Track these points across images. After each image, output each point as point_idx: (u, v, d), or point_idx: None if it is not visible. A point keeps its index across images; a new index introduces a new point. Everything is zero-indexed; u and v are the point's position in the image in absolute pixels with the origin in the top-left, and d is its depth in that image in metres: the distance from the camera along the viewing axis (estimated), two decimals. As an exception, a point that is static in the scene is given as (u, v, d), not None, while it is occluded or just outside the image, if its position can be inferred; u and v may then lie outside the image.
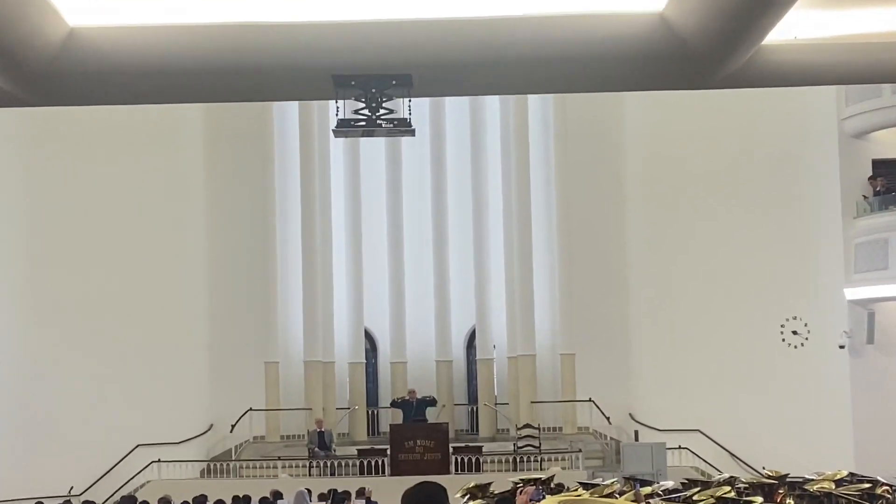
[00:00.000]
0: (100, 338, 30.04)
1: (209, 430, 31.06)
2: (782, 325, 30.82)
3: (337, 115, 14.83)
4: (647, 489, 15.53)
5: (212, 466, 29.28)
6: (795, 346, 30.69)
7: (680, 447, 29.05)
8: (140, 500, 22.25)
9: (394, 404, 29.86)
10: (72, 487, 28.11)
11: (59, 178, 30.43)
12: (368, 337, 32.78)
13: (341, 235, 31.95)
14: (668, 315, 31.34)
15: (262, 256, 31.23)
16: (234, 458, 29.67)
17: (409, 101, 14.82)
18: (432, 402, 29.55)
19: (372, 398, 32.67)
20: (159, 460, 28.97)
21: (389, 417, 31.28)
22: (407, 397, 29.63)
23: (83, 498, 25.60)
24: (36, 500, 22.91)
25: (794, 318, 30.67)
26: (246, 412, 30.28)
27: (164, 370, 30.40)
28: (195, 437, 30.71)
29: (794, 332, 30.71)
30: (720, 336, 30.84)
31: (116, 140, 30.64)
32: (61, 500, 24.91)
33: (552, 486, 18.29)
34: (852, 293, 29.25)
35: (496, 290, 31.65)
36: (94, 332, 30.03)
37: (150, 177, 31.04)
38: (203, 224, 31.67)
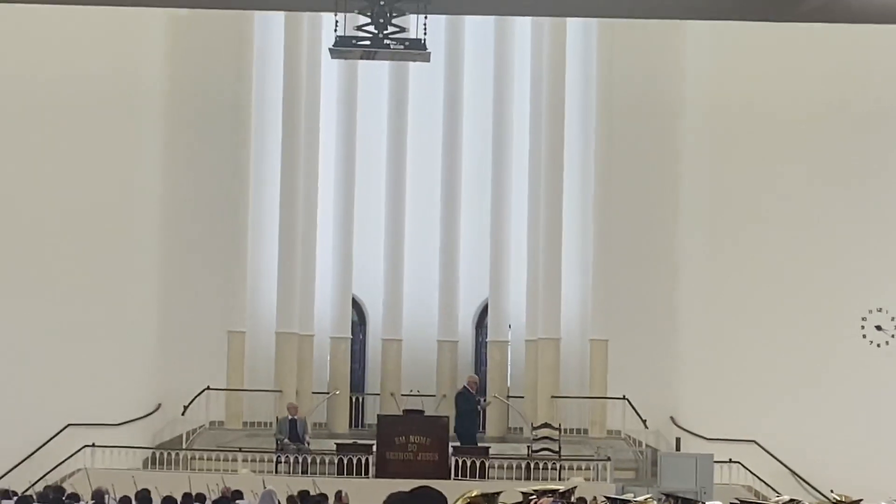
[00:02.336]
0: (24, 296, 29.99)
1: (156, 410, 31.05)
2: (864, 319, 30.75)
3: (336, 31, 14.67)
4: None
5: (158, 455, 29.30)
6: (879, 345, 30.64)
7: (731, 461, 29.05)
8: (69, 491, 22.27)
9: (462, 400, 29.54)
10: (-15, 473, 28.19)
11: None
12: (356, 307, 32.74)
13: (329, 182, 31.85)
14: (723, 300, 31.27)
15: (231, 202, 31.13)
16: (185, 446, 29.69)
17: (425, 17, 14.66)
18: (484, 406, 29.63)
19: (357, 382, 32.67)
20: (94, 445, 28.96)
21: (377, 406, 31.30)
22: (468, 387, 29.48)
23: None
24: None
25: (879, 310, 30.61)
26: (202, 391, 30.28)
27: (103, 336, 30.38)
28: (138, 418, 30.70)
29: (878, 328, 30.64)
30: (786, 328, 30.79)
31: (61, 39, 30.46)
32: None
33: (572, 500, 18.28)
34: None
35: (515, 259, 31.59)
36: (17, 289, 29.98)
37: (93, 91, 30.79)
38: (157, 157, 31.48)
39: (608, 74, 31.56)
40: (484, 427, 31.22)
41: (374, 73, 31.56)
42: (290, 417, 29.16)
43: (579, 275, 31.59)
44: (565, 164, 31.30)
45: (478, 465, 27.77)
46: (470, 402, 29.57)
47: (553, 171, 31.16)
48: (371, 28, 14.71)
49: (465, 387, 30.10)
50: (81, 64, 30.76)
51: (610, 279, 31.12)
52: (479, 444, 29.24)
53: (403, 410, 29.28)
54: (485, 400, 30.37)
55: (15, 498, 20.76)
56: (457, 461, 27.78)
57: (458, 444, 28.95)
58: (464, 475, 27.36)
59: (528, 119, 31.70)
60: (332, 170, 31.85)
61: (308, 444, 29.04)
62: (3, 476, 28.39)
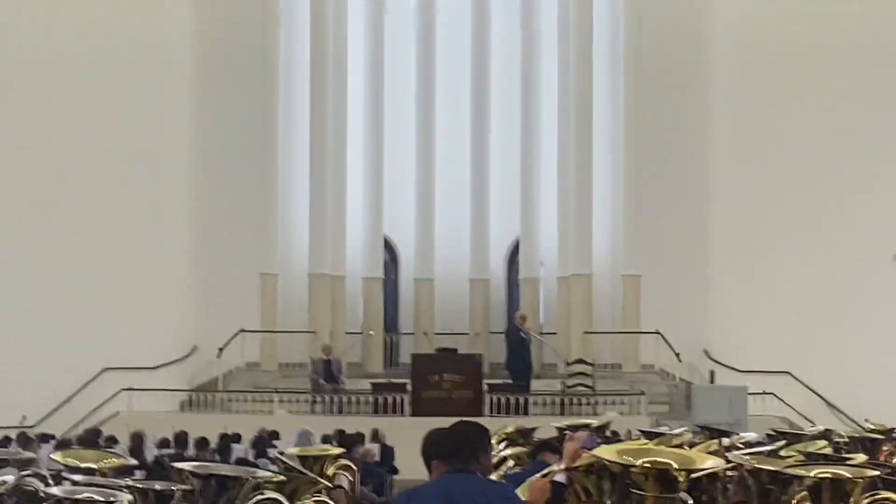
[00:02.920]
0: (61, 241, 30.12)
1: (192, 353, 31.22)
2: (897, 249, 30.69)
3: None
4: (725, 442, 15.50)
5: (194, 398, 29.49)
6: (912, 276, 30.55)
7: (765, 392, 29.07)
8: (106, 434, 22.41)
9: (513, 335, 29.51)
10: (24, 417, 28.38)
11: (13, 43, 30.34)
12: (388, 248, 32.78)
13: (358, 123, 31.82)
14: (756, 232, 31.17)
15: (261, 144, 31.14)
16: (221, 388, 29.85)
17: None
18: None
19: (391, 321, 32.77)
20: (131, 388, 29.17)
21: (410, 346, 31.38)
22: (519, 324, 29.45)
23: (38, 429, 25.81)
24: (-19, 431, 23.14)
25: (912, 240, 30.51)
26: (237, 334, 30.40)
27: (138, 280, 30.51)
28: (174, 361, 30.89)
29: (912, 258, 30.59)
30: (819, 259, 30.71)
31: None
32: (12, 431, 25.12)
33: (607, 434, 18.32)
34: None
35: (546, 195, 31.53)
36: (54, 234, 30.10)
37: (123, 38, 30.83)
38: (188, 102, 31.54)
39: (638, 3, 31.36)
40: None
41: (402, 9, 31.45)
42: (324, 358, 29.26)
43: (610, 210, 31.52)
44: (595, 98, 31.17)
45: (512, 401, 27.84)
46: (517, 338, 29.43)
47: (583, 105, 31.02)
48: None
49: (513, 323, 30.04)
50: (115, 14, 30.74)
51: (641, 214, 31.03)
52: (513, 381, 29.26)
53: (437, 349, 29.35)
54: (530, 334, 30.01)
55: (54, 442, 20.91)
56: (491, 398, 27.84)
57: (493, 381, 29.05)
58: (498, 412, 27.43)
59: (556, 53, 31.56)
60: (360, 110, 31.81)
61: (343, 383, 29.15)
62: (42, 420, 28.62)
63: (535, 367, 30.81)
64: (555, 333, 31.40)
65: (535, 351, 31.09)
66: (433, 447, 7.78)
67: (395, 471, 21.79)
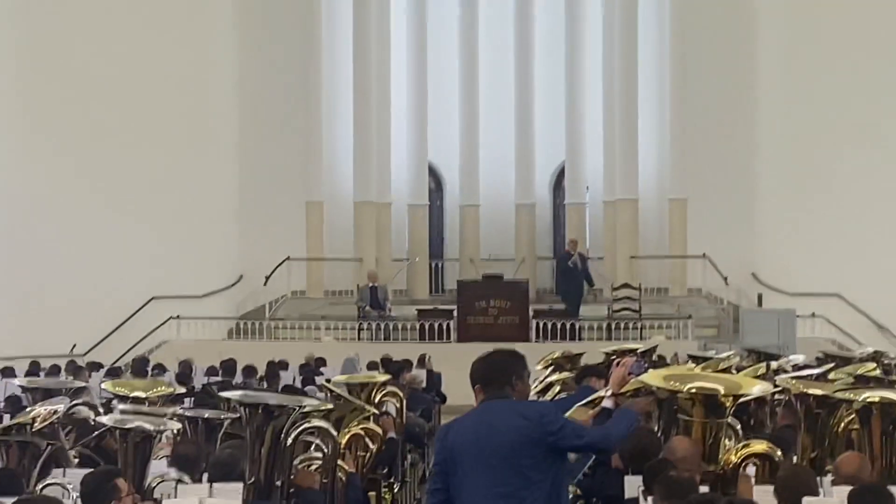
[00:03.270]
0: (108, 170, 30.19)
1: (238, 281, 31.36)
2: (948, 168, 30.48)
3: None
4: (774, 365, 15.48)
5: (241, 326, 29.65)
6: (963, 194, 30.35)
7: (814, 315, 28.97)
8: (154, 362, 22.59)
9: (563, 261, 29.37)
10: (74, 345, 28.58)
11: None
12: (433, 174, 32.74)
13: (402, 48, 31.72)
14: (803, 153, 30.94)
15: (306, 71, 31.07)
16: (268, 316, 29.99)
17: None
18: (590, 279, 29.24)
19: (436, 248, 32.79)
20: (178, 317, 29.36)
21: (457, 272, 31.40)
22: (570, 249, 29.31)
23: (88, 358, 26.02)
24: (31, 360, 23.30)
25: (964, 159, 30.28)
26: (283, 262, 30.50)
27: (186, 209, 30.60)
28: (221, 290, 31.04)
29: (962, 177, 30.38)
30: (868, 179, 30.46)
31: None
32: (62, 360, 25.34)
33: (654, 358, 18.34)
34: None
35: (591, 119, 31.37)
36: (101, 163, 30.18)
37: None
38: (232, 30, 31.49)
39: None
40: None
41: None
42: (370, 285, 29.31)
43: (656, 133, 31.35)
44: (640, 21, 30.91)
45: (559, 327, 27.85)
46: (573, 272, 29.25)
47: (628, 27, 30.76)
48: None
49: (566, 249, 29.90)
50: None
51: (687, 136, 30.84)
52: (559, 307, 29.23)
53: (483, 275, 29.34)
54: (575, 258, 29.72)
55: (103, 370, 21.08)
56: (538, 324, 27.86)
57: (540, 306, 29.07)
58: (545, 337, 27.46)
59: (600, -23, 31.33)
60: (404, 35, 31.70)
61: (389, 310, 29.22)
62: (91, 349, 28.82)
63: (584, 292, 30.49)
64: (601, 258, 31.32)
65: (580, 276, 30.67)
66: (472, 375, 7.85)
67: (442, 396, 21.87)
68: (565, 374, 14.02)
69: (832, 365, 15.98)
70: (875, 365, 15.92)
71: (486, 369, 7.83)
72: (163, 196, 30.45)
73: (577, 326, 28.14)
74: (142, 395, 11.69)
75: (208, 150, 31.12)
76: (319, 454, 9.04)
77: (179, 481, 8.44)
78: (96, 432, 9.61)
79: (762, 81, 31.43)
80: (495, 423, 7.62)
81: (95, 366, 22.25)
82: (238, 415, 9.27)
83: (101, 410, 11.29)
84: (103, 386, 13.26)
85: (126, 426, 8.85)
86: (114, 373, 20.06)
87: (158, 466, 9.09)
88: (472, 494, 7.58)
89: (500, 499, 7.53)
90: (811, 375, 13.36)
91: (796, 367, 15.56)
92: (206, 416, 10.05)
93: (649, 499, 7.83)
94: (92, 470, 8.19)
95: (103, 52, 30.30)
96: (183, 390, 14.54)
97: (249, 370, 19.81)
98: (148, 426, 8.87)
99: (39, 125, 29.73)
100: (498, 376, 7.77)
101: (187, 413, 10.27)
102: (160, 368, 21.15)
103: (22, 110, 29.57)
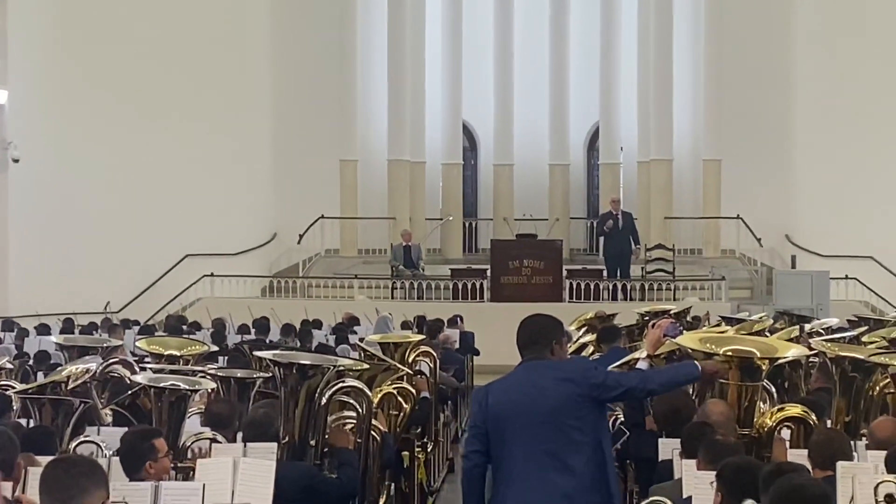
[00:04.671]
0: (144, 128, 30.21)
1: (272, 240, 31.42)
2: (984, 131, 30.28)
3: None
4: (807, 327, 15.40)
5: (275, 284, 29.71)
6: None
7: (847, 277, 28.84)
8: (190, 320, 22.64)
9: (603, 222, 29.08)
10: (108, 303, 28.70)
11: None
12: (467, 133, 32.68)
13: (437, 6, 31.60)
14: (839, 115, 30.76)
15: (340, 30, 31.02)
16: (301, 274, 30.04)
17: None
18: (636, 237, 28.86)
19: (470, 207, 32.77)
20: (212, 274, 29.43)
21: (490, 231, 31.37)
22: (610, 210, 29.02)
23: (122, 315, 26.14)
24: (65, 316, 23.39)
25: None
26: (317, 220, 30.53)
27: (220, 167, 30.64)
28: (255, 248, 31.11)
29: None
30: (904, 142, 30.34)
31: None
32: (96, 317, 25.45)
33: (688, 319, 18.29)
34: None
35: (626, 80, 31.23)
36: (137, 121, 30.20)
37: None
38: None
39: None
40: (596, 249, 31.18)
41: None
42: (404, 244, 29.30)
43: (691, 94, 31.20)
44: (675, -19, 30.76)
45: (592, 287, 27.78)
46: (613, 228, 28.91)
47: (663, -12, 30.62)
48: None
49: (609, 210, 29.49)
50: None
51: (722, 97, 30.68)
52: (593, 267, 29.16)
53: (516, 235, 29.28)
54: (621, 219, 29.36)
55: (137, 327, 21.14)
56: (571, 284, 27.81)
57: (573, 266, 29.00)
58: (578, 298, 27.40)
59: (636, -64, 31.11)
60: (438, -5, 31.61)
61: (423, 269, 29.21)
62: (125, 306, 28.95)
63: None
64: (635, 219, 31.19)
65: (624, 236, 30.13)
66: (517, 336, 7.83)
67: (475, 351, 21.80)
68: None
69: (865, 328, 15.89)
70: (909, 328, 15.81)
71: (527, 332, 7.81)
72: (198, 154, 30.47)
73: (610, 287, 28.05)
74: (176, 353, 11.69)
75: (244, 109, 31.11)
76: (353, 414, 9.02)
77: (214, 440, 8.43)
78: (130, 391, 9.61)
79: (799, 42, 31.23)
80: (538, 382, 7.60)
81: (130, 323, 22.32)
82: (271, 374, 9.26)
83: (135, 369, 11.30)
84: (137, 344, 13.27)
85: (160, 385, 8.85)
86: (148, 331, 20.09)
87: (191, 425, 9.10)
88: (516, 456, 7.55)
89: (545, 457, 7.51)
90: (844, 338, 13.29)
91: (829, 330, 15.47)
92: (239, 374, 10.04)
93: (685, 461, 7.78)
94: (130, 429, 8.19)
95: (144, 14, 30.26)
96: (216, 349, 14.55)
97: (284, 329, 19.82)
98: (182, 385, 8.87)
99: (78, 83, 29.72)
100: (539, 339, 7.75)
101: (220, 372, 10.27)
102: (195, 326, 21.19)
103: (62, 69, 29.56)
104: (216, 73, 30.79)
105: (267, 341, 18.41)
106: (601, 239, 29.90)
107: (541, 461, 7.51)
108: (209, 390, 9.69)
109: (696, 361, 8.09)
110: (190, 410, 9.28)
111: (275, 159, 31.49)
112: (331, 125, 30.91)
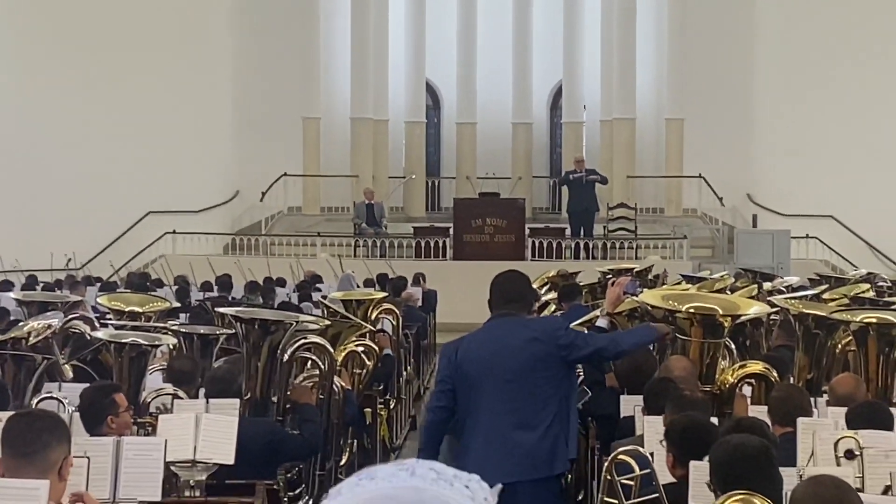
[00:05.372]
0: (105, 83, 30.02)
1: (234, 197, 31.29)
2: (944, 91, 30.38)
3: None
4: (768, 285, 15.46)
5: (237, 241, 29.61)
6: (959, 117, 30.30)
7: (808, 236, 28.94)
8: (152, 277, 22.56)
9: (565, 181, 29.01)
10: (69, 259, 28.53)
11: None
12: (430, 92, 32.59)
13: (400, -36, 31.47)
14: (801, 74, 30.82)
15: (302, -13, 30.84)
16: (264, 231, 29.95)
17: None
18: (603, 180, 28.86)
19: (433, 166, 32.72)
20: (174, 231, 29.30)
21: (453, 190, 31.34)
22: (575, 170, 28.91)
23: (84, 272, 26.00)
24: (28, 273, 23.26)
25: (961, 81, 30.19)
26: (279, 178, 30.43)
27: (182, 124, 30.47)
28: (218, 205, 30.98)
29: (959, 100, 30.31)
30: (863, 100, 30.40)
31: None
32: (59, 274, 25.32)
33: (649, 278, 18.33)
34: None
35: (589, 38, 31.17)
36: (99, 78, 30.00)
37: None
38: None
39: None
40: (559, 208, 31.15)
41: None
42: (366, 202, 29.22)
43: (654, 53, 31.18)
44: (639, -60, 30.67)
45: (554, 245, 27.81)
46: (578, 184, 28.77)
47: (626, -53, 30.54)
48: None
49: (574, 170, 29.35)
50: None
51: (685, 57, 30.66)
52: (555, 226, 29.18)
53: (479, 193, 29.26)
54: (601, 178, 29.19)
55: (99, 284, 21.05)
56: (534, 242, 27.82)
57: (535, 225, 29.02)
58: (541, 256, 27.42)
59: None
60: (402, -49, 31.43)
61: (385, 227, 29.16)
62: (86, 263, 28.78)
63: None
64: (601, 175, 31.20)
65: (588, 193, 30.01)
66: (494, 292, 7.89)
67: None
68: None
69: (826, 286, 15.98)
70: (868, 286, 15.91)
71: (508, 289, 7.85)
72: (160, 111, 30.29)
73: (572, 245, 28.07)
74: (138, 309, 11.65)
75: (206, 65, 30.92)
76: (316, 371, 9.01)
77: (175, 396, 8.40)
78: (92, 347, 9.56)
79: (761, 2, 31.23)
80: (508, 341, 7.65)
81: (92, 280, 22.21)
82: (234, 331, 9.24)
83: (96, 325, 11.24)
84: (99, 300, 13.21)
85: (121, 341, 8.82)
86: (109, 287, 19.99)
87: (155, 382, 9.06)
88: (482, 412, 7.60)
89: (509, 415, 7.57)
90: (806, 296, 13.35)
91: (790, 288, 15.55)
92: (202, 331, 10.01)
93: (647, 418, 7.80)
94: (90, 385, 8.15)
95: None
96: (179, 305, 14.49)
97: (251, 285, 19.76)
98: (143, 341, 8.84)
99: (38, 39, 29.48)
100: (519, 298, 7.88)
101: (183, 328, 10.23)
102: (157, 283, 21.11)
103: (19, 24, 29.30)
104: (178, 29, 30.58)
105: (230, 298, 18.36)
106: (564, 191, 29.73)
107: (505, 419, 7.57)
108: (171, 346, 9.66)
109: (650, 324, 8.17)
110: (153, 367, 9.26)
111: (237, 117, 31.33)
112: (293, 83, 30.76)
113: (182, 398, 8.38)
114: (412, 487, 2.39)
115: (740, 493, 5.17)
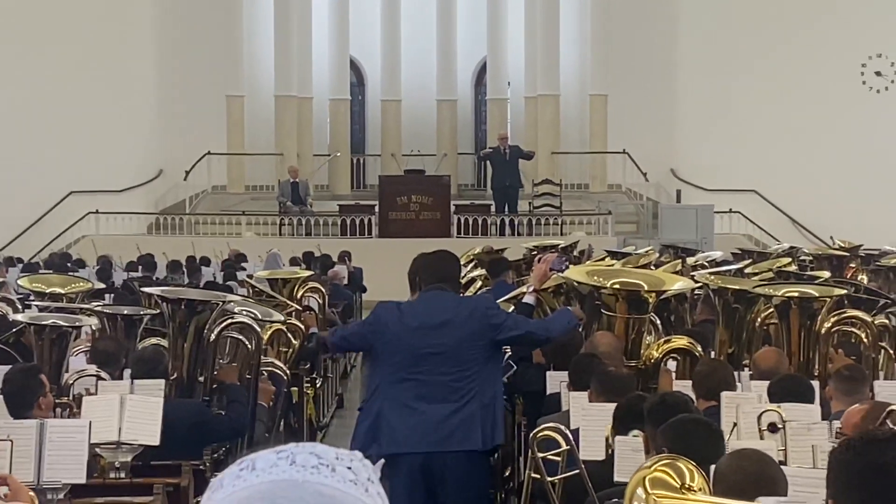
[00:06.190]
0: (25, 64, 29.69)
1: (158, 176, 31.09)
2: (863, 65, 30.63)
3: None
4: (691, 260, 15.57)
5: (161, 220, 29.44)
6: (878, 90, 30.53)
7: (731, 211, 29.17)
8: (74, 257, 22.37)
9: (485, 157, 29.10)
10: (-10, 241, 28.34)
11: None
12: (355, 69, 32.50)
13: (322, -60, 31.32)
14: (722, 50, 30.99)
15: (224, -36, 30.63)
16: (188, 211, 29.78)
17: None
18: (528, 154, 28.88)
19: (357, 143, 32.65)
20: (97, 211, 29.07)
21: (378, 167, 31.31)
22: (498, 146, 28.90)
23: (5, 253, 25.76)
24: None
25: (879, 55, 30.47)
26: (203, 156, 30.25)
27: (104, 103, 30.18)
28: (141, 184, 30.77)
29: (878, 73, 30.57)
30: (786, 77, 30.61)
31: None
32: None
33: (574, 254, 18.42)
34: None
35: (513, 15, 31.19)
36: (16, 56, 29.67)
37: None
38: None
39: None
40: (484, 184, 31.18)
41: None
42: (291, 180, 29.13)
43: (578, 29, 31.24)
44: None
45: (480, 222, 27.85)
46: (500, 159, 28.76)
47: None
48: None
49: (496, 146, 29.34)
50: None
51: (609, 33, 30.77)
52: (480, 202, 29.21)
53: (405, 170, 29.25)
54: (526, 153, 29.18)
55: (21, 265, 20.84)
56: (459, 219, 27.85)
57: (461, 202, 29.04)
58: (466, 233, 27.46)
59: None
60: (324, -72, 31.28)
61: (310, 205, 29.09)
62: (8, 244, 28.55)
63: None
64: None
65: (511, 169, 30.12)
66: (424, 269, 7.98)
67: (362, 288, 21.85)
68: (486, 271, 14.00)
69: (749, 261, 16.11)
70: (791, 260, 16.06)
71: (440, 268, 7.95)
72: (82, 89, 30.00)
73: (497, 222, 28.13)
74: (59, 290, 11.54)
75: (127, 42, 30.65)
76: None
77: (99, 378, 8.34)
78: (13, 330, 9.48)
79: (683, -23, 31.37)
80: (442, 316, 7.69)
81: (12, 261, 21.99)
82: (158, 311, 9.18)
83: (18, 307, 11.14)
84: (20, 282, 13.09)
85: (41, 323, 8.74)
86: (31, 269, 19.79)
87: (78, 364, 8.99)
88: (406, 381, 7.66)
89: (433, 387, 7.63)
90: (729, 271, 13.46)
91: (713, 263, 15.65)
92: (126, 311, 9.94)
93: (573, 394, 7.84)
94: (14, 367, 8.07)
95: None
96: (102, 286, 14.38)
97: (174, 265, 19.65)
98: (63, 323, 8.77)
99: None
100: (450, 278, 8.05)
101: (106, 309, 10.15)
102: (80, 263, 20.92)
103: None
104: (100, 5, 30.27)
105: (154, 278, 18.25)
106: (486, 166, 29.81)
107: (426, 390, 7.65)
108: (92, 327, 9.59)
109: (567, 308, 8.30)
110: (78, 349, 9.19)
111: (159, 95, 31.09)
112: (217, 60, 30.56)
113: (105, 379, 8.32)
114: (291, 481, 2.29)
115: (667, 458, 5.18)
